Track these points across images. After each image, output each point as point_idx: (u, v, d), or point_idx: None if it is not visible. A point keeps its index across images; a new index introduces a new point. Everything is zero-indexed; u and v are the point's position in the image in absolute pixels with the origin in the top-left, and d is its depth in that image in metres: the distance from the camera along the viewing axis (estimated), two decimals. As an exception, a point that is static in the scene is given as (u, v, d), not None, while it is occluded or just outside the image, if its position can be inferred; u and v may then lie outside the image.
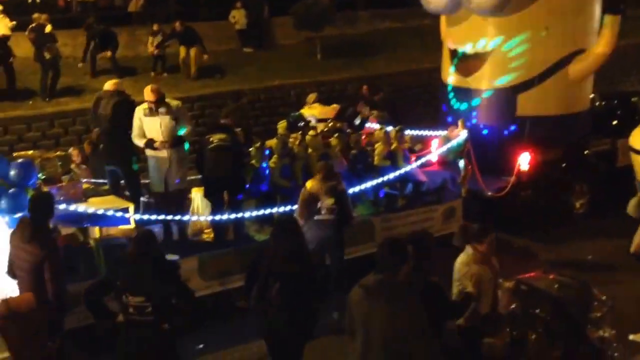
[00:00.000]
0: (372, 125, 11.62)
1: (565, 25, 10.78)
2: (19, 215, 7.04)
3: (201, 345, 7.63)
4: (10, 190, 7.18)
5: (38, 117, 14.81)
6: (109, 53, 16.65)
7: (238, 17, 19.17)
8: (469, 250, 6.05)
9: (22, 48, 15.67)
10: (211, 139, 8.62)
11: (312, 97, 13.56)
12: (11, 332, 4.98)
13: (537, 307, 6.57)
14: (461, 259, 6.07)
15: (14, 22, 15.39)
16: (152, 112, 8.39)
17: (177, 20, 17.30)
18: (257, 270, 6.01)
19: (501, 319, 5.83)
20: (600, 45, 10.79)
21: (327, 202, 8.10)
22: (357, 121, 11.97)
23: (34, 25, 15.36)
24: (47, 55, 15.18)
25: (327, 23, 19.31)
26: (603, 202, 10.86)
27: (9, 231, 6.95)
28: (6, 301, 4.96)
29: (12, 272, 6.39)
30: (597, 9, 11.14)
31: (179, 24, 17.06)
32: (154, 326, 5.48)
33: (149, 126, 8.45)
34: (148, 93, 8.41)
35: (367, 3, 23.24)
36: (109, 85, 8.92)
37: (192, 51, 17.07)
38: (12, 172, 7.44)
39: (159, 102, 8.41)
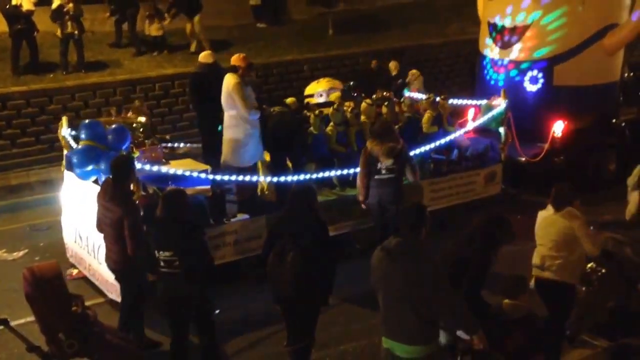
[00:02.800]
0: (413, 95, 12.47)
1: (600, 0, 11.73)
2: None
3: (217, 311, 7.85)
4: (110, 153, 7.97)
5: (59, 90, 15.28)
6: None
7: (252, -8, 19.65)
8: (571, 210, 6.50)
9: (45, 22, 16.01)
10: (272, 109, 9.42)
11: (395, 64, 14.76)
12: (36, 298, 5.16)
13: (593, 262, 7.30)
14: (574, 222, 6.43)
15: None
16: (251, 80, 8.82)
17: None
18: (274, 238, 6.34)
19: (522, 280, 6.17)
20: (633, 19, 11.78)
21: (386, 162, 8.72)
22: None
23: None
24: (57, 31, 15.66)
25: (339, -1, 20.05)
26: (630, 168, 11.82)
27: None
28: (31, 268, 5.17)
29: (99, 227, 7.18)
30: (629, -16, 12.12)
31: None
32: (182, 278, 6.09)
33: (251, 96, 8.84)
34: (242, 61, 8.76)
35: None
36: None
37: (196, 23, 17.42)
38: (109, 137, 8.21)
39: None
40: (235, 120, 8.80)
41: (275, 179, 9.28)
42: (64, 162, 9.65)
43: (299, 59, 18.21)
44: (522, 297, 5.85)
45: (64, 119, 9.68)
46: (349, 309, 8.23)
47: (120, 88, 15.89)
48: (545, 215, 6.75)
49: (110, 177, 7.09)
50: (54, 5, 15.54)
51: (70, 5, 15.58)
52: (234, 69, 8.80)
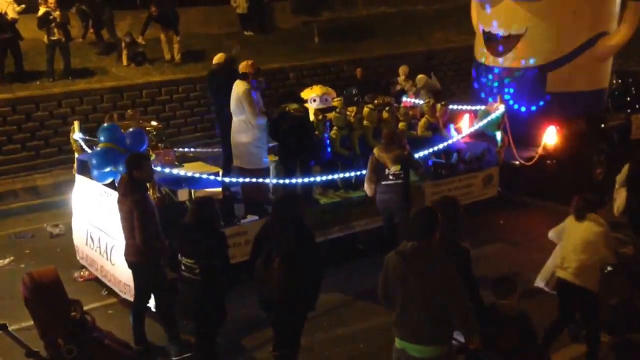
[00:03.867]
0: (410, 100, 12.98)
1: (591, 9, 12.49)
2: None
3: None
4: (126, 155, 8.18)
5: (45, 97, 15.39)
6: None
7: (239, 1, 20.05)
8: (595, 217, 6.81)
9: (30, 30, 16.22)
10: (287, 109, 9.74)
11: (404, 69, 15.26)
12: (36, 304, 5.20)
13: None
14: (595, 228, 6.76)
15: (23, 6, 15.99)
16: (260, 86, 9.18)
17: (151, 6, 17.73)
18: (261, 245, 6.56)
19: (511, 281, 6.29)
20: (623, 28, 12.51)
21: (393, 168, 9.13)
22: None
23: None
24: (44, 38, 15.82)
25: (325, 7, 20.62)
26: (618, 170, 12.43)
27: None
28: (31, 273, 5.22)
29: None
30: (619, -4, 12.89)
31: (154, 8, 17.51)
32: (202, 284, 6.34)
33: (260, 102, 9.21)
34: (251, 67, 9.11)
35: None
36: None
37: (173, 37, 17.73)
38: (127, 140, 8.47)
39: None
40: (244, 125, 9.11)
41: (283, 181, 9.62)
42: (74, 165, 9.89)
43: (285, 66, 18.59)
44: (511, 297, 5.98)
45: (76, 124, 9.94)
46: (334, 314, 8.44)
47: (108, 95, 16.08)
48: (572, 218, 7.07)
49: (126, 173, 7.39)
50: (40, 12, 15.69)
51: (57, 12, 15.75)
52: (243, 76, 9.14)
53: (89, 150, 9.60)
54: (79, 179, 9.67)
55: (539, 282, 7.82)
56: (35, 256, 10.44)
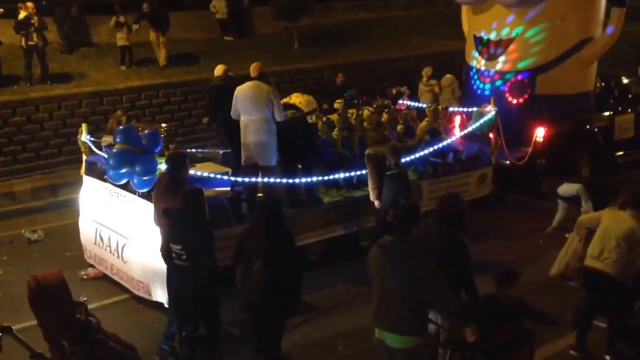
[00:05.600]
0: (404, 103, 13.70)
1: (578, 16, 13.42)
2: (147, 177, 8.61)
3: None
4: (144, 156, 8.69)
5: (23, 102, 15.64)
6: None
7: (219, 6, 20.66)
8: (636, 214, 7.19)
9: (7, 35, 16.50)
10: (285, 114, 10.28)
11: (427, 70, 16.15)
12: (40, 306, 5.31)
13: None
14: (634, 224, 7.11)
15: (1, 10, 16.29)
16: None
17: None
18: (243, 249, 6.78)
19: (515, 273, 6.46)
20: (607, 33, 13.43)
21: (393, 160, 9.92)
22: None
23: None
24: (22, 42, 16.12)
25: (304, 13, 21.21)
26: (603, 169, 13.30)
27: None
28: (36, 276, 5.33)
29: (156, 221, 7.88)
30: (603, 2, 13.84)
31: (146, 5, 18.08)
32: (189, 270, 6.77)
33: None
34: (262, 68, 9.75)
35: (342, -6, 25.29)
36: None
37: (162, 39, 18.30)
38: (143, 141, 8.89)
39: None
40: (266, 124, 9.55)
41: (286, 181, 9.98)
42: (83, 166, 10.27)
43: (266, 72, 18.97)
44: (514, 289, 6.30)
45: (84, 126, 10.34)
46: (313, 318, 8.68)
47: (86, 100, 16.42)
48: (616, 211, 7.42)
49: (167, 172, 7.87)
50: (20, 17, 16.00)
51: (36, 18, 16.08)
52: (261, 76, 9.67)
53: (99, 152, 10.03)
54: (87, 180, 10.08)
55: (554, 273, 8.39)
56: (13, 262, 10.66)
